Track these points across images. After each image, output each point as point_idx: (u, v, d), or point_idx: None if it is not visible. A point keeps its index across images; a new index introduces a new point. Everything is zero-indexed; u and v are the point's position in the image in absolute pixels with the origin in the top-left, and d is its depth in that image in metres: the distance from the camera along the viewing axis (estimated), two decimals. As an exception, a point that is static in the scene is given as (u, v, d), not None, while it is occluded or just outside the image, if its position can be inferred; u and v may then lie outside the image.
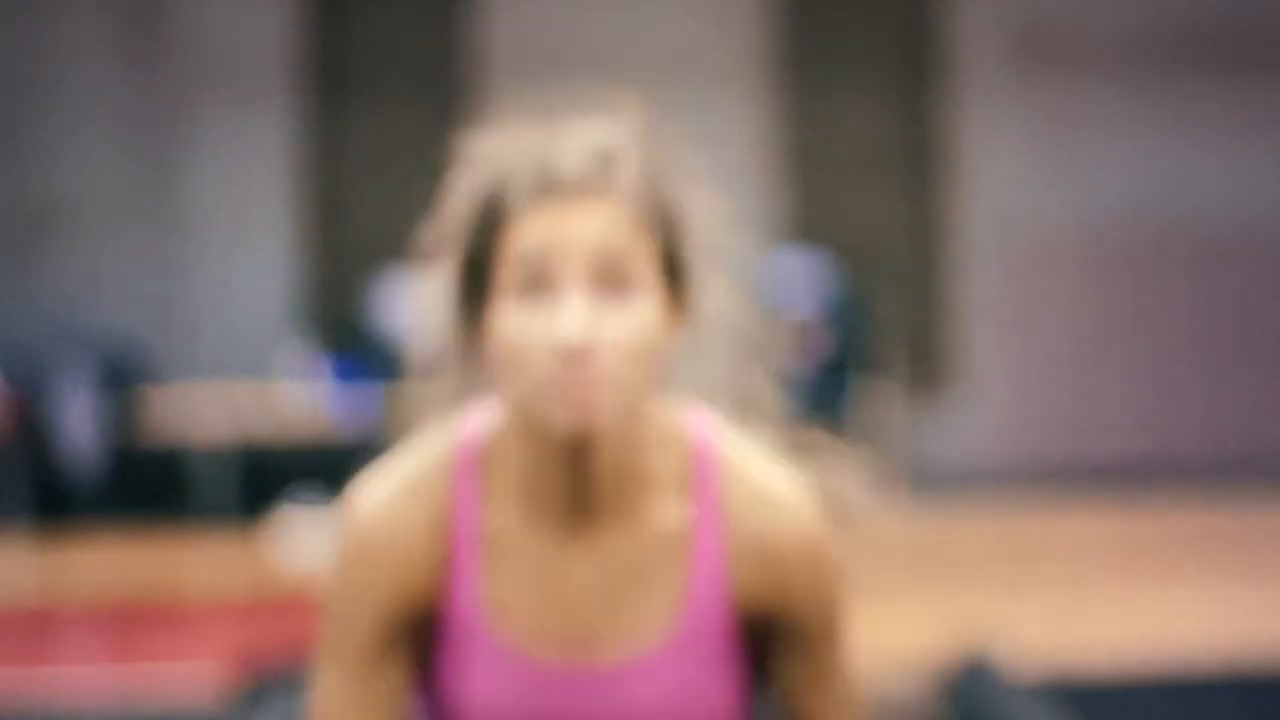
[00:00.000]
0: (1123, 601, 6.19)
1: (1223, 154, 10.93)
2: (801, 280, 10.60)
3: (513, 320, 1.50)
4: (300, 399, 9.85)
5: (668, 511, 1.56)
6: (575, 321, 1.47)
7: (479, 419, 1.63)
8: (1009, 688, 4.24)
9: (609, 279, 1.49)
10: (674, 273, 1.56)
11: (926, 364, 10.86)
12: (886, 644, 5.28)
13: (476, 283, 1.56)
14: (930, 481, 10.48)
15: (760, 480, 1.59)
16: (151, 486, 9.78)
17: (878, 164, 10.92)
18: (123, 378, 9.95)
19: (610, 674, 1.56)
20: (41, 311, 10.46)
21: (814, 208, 10.89)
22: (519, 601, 1.56)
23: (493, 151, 1.62)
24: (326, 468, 9.88)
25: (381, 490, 1.63)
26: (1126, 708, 4.28)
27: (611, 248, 1.50)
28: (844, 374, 10.47)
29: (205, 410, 9.69)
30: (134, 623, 6.63)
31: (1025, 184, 10.90)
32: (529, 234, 1.50)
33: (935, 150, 10.95)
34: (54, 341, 10.11)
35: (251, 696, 4.38)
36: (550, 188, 1.52)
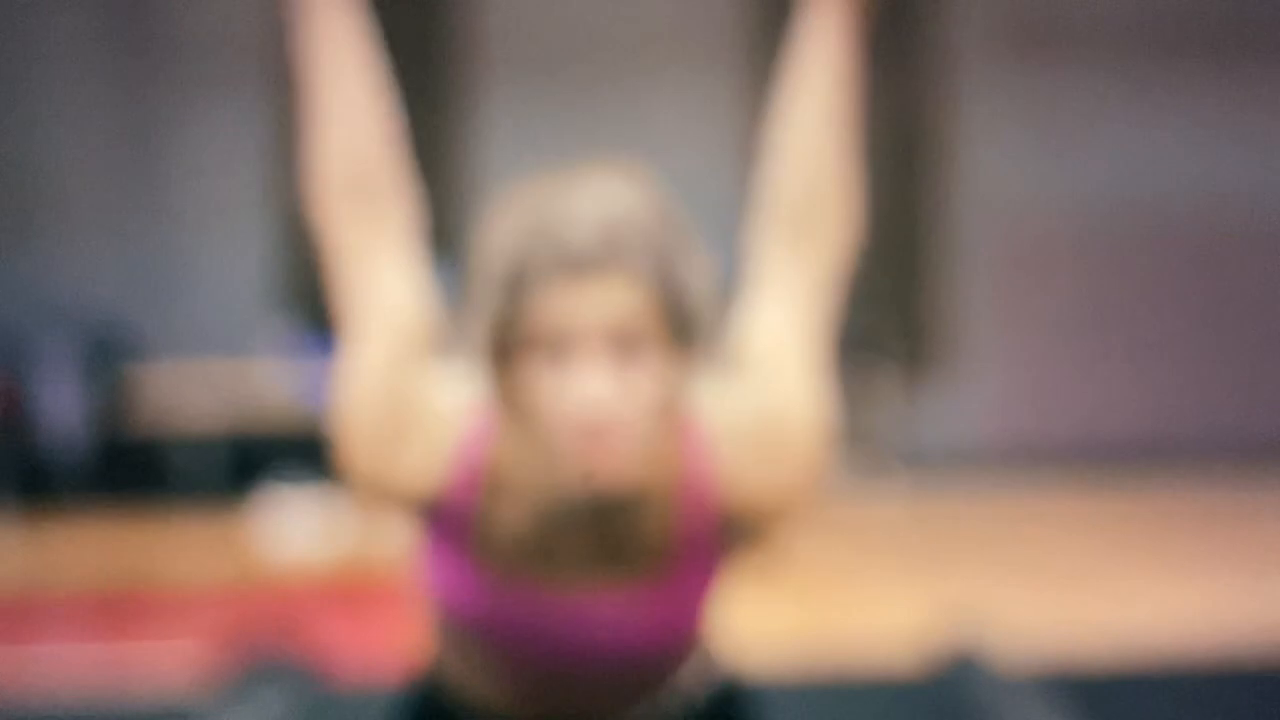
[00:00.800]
0: (1117, 585, 6.19)
1: (1220, 140, 10.94)
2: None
3: (536, 380, 1.65)
4: (285, 378, 9.82)
5: (660, 509, 1.70)
6: (593, 395, 1.62)
7: (483, 413, 1.78)
8: (999, 677, 4.23)
9: (623, 346, 1.63)
10: (681, 330, 1.70)
11: (920, 347, 10.86)
12: (878, 627, 5.26)
13: (504, 344, 1.70)
14: (924, 464, 10.48)
15: (740, 414, 1.75)
16: (136, 467, 9.76)
17: (870, 148, 10.88)
18: (106, 358, 9.93)
19: (595, 605, 1.71)
20: (24, 293, 10.43)
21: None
22: (505, 553, 1.71)
23: (513, 227, 1.72)
24: (311, 449, 9.86)
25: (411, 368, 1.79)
26: (1120, 698, 4.26)
27: (624, 318, 1.64)
28: (835, 358, 10.46)
29: (189, 390, 9.67)
30: (117, 606, 6.60)
31: (1018, 167, 10.90)
32: (548, 308, 1.64)
33: (927, 133, 10.94)
34: (37, 323, 10.09)
35: (236, 679, 4.35)
36: (566, 264, 1.64)
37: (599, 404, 1.63)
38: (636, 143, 10.73)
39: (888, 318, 10.73)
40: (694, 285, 1.72)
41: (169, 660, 5.20)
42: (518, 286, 1.67)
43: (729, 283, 1.85)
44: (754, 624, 6.18)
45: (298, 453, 9.66)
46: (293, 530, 8.54)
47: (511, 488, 1.73)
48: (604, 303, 1.65)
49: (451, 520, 1.74)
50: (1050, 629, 4.98)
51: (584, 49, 10.83)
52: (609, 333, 1.65)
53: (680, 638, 1.77)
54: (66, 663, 5.60)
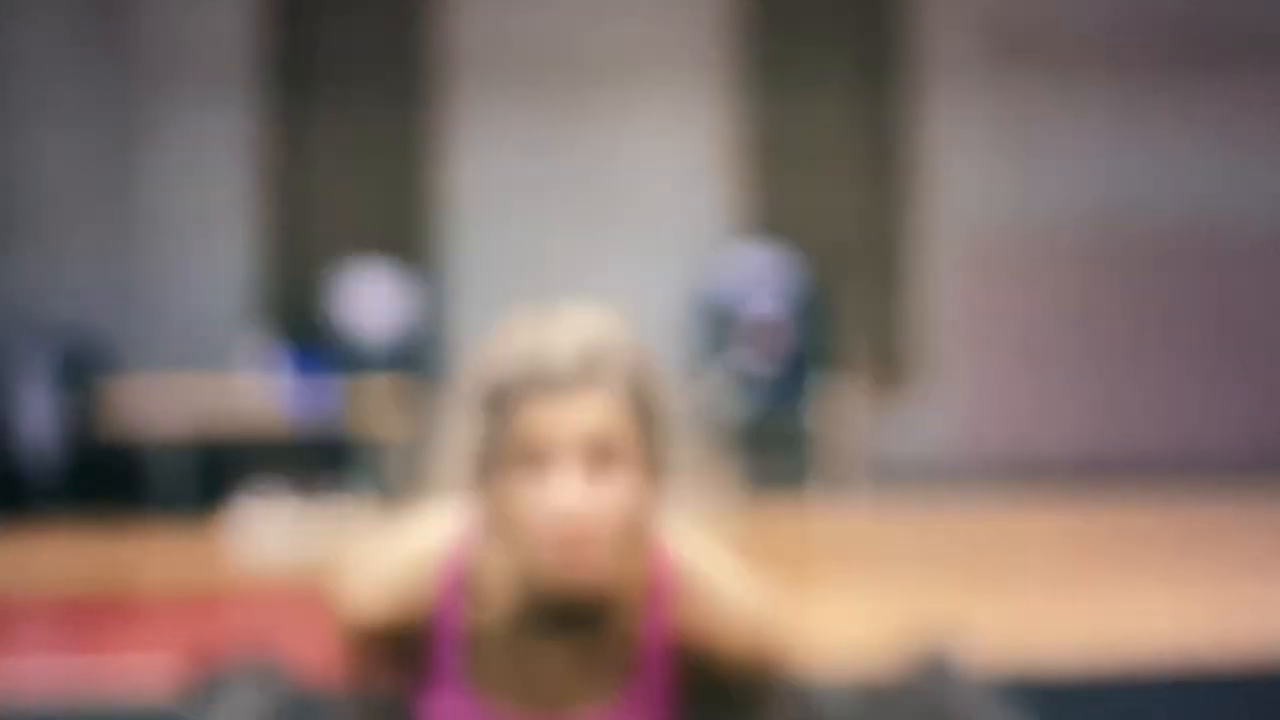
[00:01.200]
0: (1085, 598, 6.21)
1: (1189, 152, 10.98)
2: (765, 277, 10.61)
3: (517, 491, 1.80)
4: (259, 392, 9.82)
5: (628, 615, 1.87)
6: (569, 497, 1.78)
7: (461, 530, 1.95)
8: (971, 680, 4.24)
9: (597, 458, 1.78)
10: (651, 446, 1.85)
11: (889, 361, 10.89)
12: (846, 639, 5.28)
13: (489, 461, 1.85)
14: (892, 478, 10.50)
15: (710, 589, 1.91)
16: (110, 479, 9.76)
17: (842, 161, 10.93)
18: (82, 370, 9.93)
19: None
20: (1, 303, 10.42)
21: (777, 204, 10.90)
22: (497, 681, 1.89)
23: (497, 356, 1.87)
24: (285, 460, 9.87)
25: (370, 593, 1.97)
26: (1090, 702, 4.29)
27: (599, 432, 1.80)
28: (806, 370, 10.49)
29: (164, 402, 9.67)
30: (91, 613, 6.60)
31: (990, 181, 10.94)
32: (530, 423, 1.80)
33: (899, 147, 10.97)
34: (12, 334, 10.08)
35: (207, 689, 4.36)
36: (546, 383, 1.81)
37: (574, 512, 1.79)
38: (610, 153, 10.75)
39: (856, 331, 10.76)
40: (663, 406, 1.88)
41: (142, 667, 5.21)
42: (502, 406, 1.83)
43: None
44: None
45: (271, 463, 9.68)
46: (264, 540, 8.55)
47: (494, 599, 1.91)
48: (580, 417, 1.80)
49: (447, 642, 1.92)
50: (1017, 641, 5.01)
51: (559, 61, 10.85)
52: (585, 444, 1.80)
53: None
54: (40, 670, 5.60)
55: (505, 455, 1.82)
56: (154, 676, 4.88)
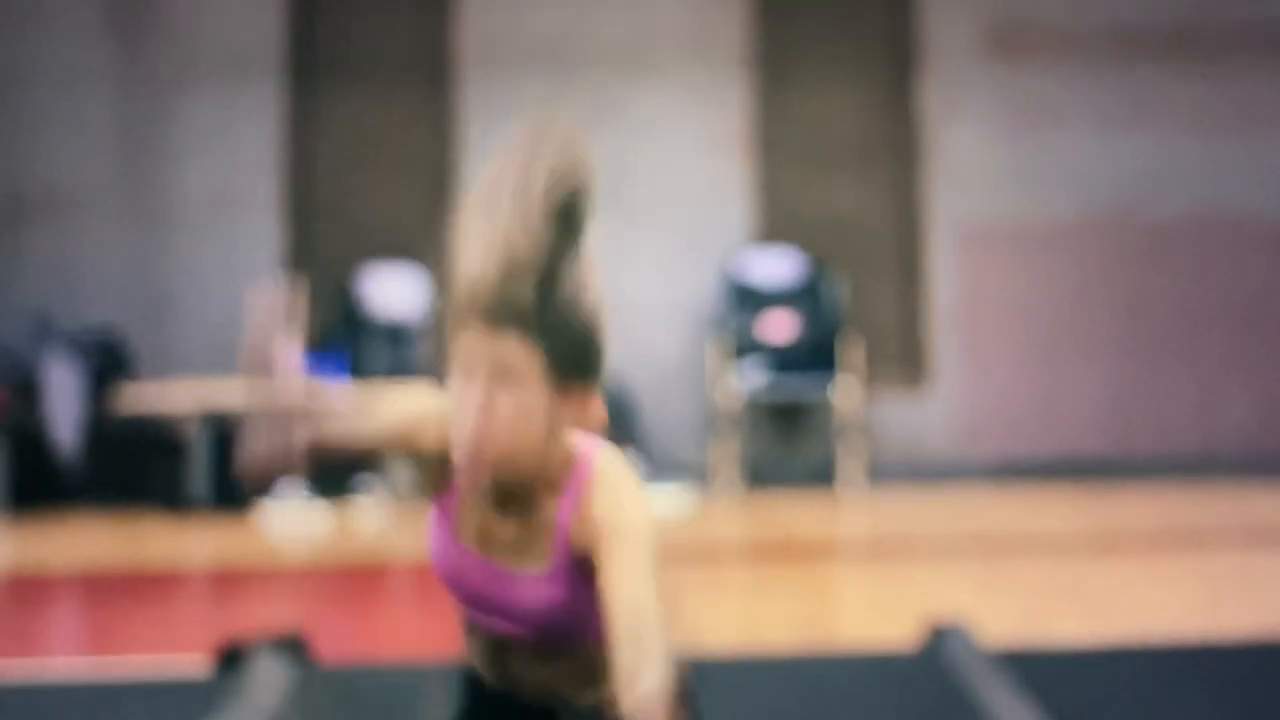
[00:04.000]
0: (1087, 592, 6.25)
1: (1192, 145, 11.02)
2: (771, 271, 10.67)
3: (450, 393, 2.27)
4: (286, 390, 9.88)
5: (553, 501, 2.36)
6: (469, 407, 2.25)
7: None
8: (983, 651, 4.31)
9: (502, 377, 2.23)
10: (563, 374, 2.26)
11: (894, 354, 10.93)
12: (849, 633, 5.34)
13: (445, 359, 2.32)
14: (895, 472, 10.56)
15: (604, 475, 2.36)
16: (135, 475, 9.83)
17: (847, 156, 10.99)
18: (106, 365, 10.00)
19: (514, 579, 2.38)
20: (24, 299, 10.49)
21: (783, 199, 10.95)
22: (469, 532, 2.40)
23: (458, 266, 2.28)
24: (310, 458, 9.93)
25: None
26: (1095, 676, 4.34)
27: (506, 360, 2.24)
28: (812, 363, 10.54)
29: (189, 399, 9.73)
30: (113, 589, 6.67)
31: (995, 177, 10.97)
32: (457, 344, 2.26)
33: (905, 143, 11.01)
34: (38, 329, 10.14)
35: (235, 664, 4.44)
36: (473, 317, 2.24)
37: (473, 419, 2.24)
38: (621, 142, 10.81)
39: (864, 328, 10.81)
40: (580, 336, 2.27)
41: (163, 643, 5.28)
42: (448, 325, 2.27)
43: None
44: (747, 615, 6.27)
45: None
46: (289, 529, 8.64)
47: (472, 509, 2.39)
48: (491, 347, 2.24)
49: (448, 501, 2.41)
50: (1018, 638, 5.06)
51: (580, 49, 10.91)
52: (492, 368, 2.24)
53: (573, 616, 2.37)
54: (70, 643, 5.68)
55: (448, 363, 2.27)
56: (183, 652, 4.95)
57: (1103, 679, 4.25)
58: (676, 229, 10.80)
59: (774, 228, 10.86)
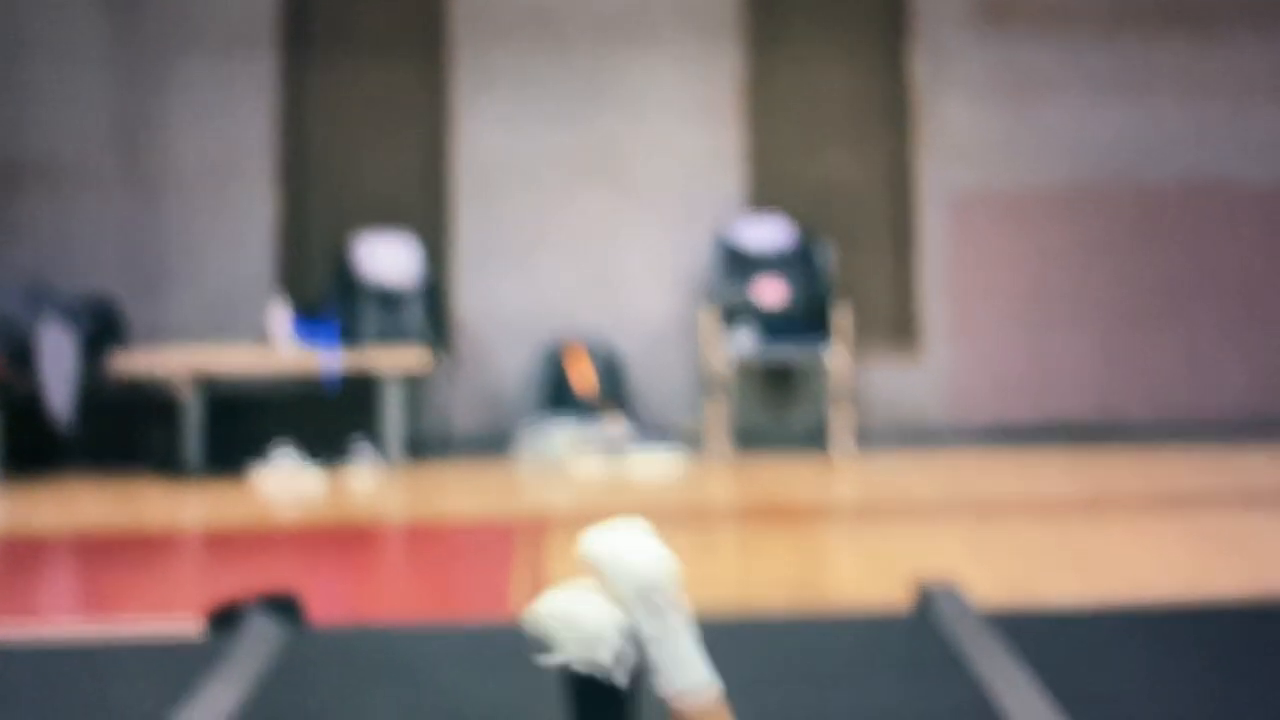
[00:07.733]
0: (1076, 555, 6.28)
1: (1184, 116, 11.02)
2: (762, 237, 10.69)
3: None
4: (280, 356, 9.90)
5: None
6: None
7: None
8: (976, 611, 4.33)
9: None
10: None
11: (886, 319, 10.94)
12: (841, 594, 5.38)
13: None
14: (887, 437, 10.58)
15: None
16: (129, 440, 9.85)
17: (839, 124, 11.00)
18: (101, 331, 10.00)
19: None
20: (19, 266, 10.49)
21: (775, 166, 10.97)
22: None
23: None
24: (305, 424, 9.98)
25: None
26: (1087, 636, 4.37)
27: None
28: (804, 328, 10.57)
29: (183, 364, 9.76)
30: (105, 549, 6.70)
31: (987, 145, 10.98)
32: None
33: (896, 111, 11.02)
34: (32, 295, 10.15)
35: (229, 623, 4.46)
36: None
37: None
38: (614, 110, 10.82)
39: (854, 294, 10.82)
40: None
41: (156, 604, 5.31)
42: None
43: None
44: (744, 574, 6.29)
45: (290, 428, 9.80)
46: (284, 493, 8.67)
47: None
48: None
49: None
50: (1007, 598, 5.09)
51: (562, 19, 10.91)
52: None
53: None
54: (54, 604, 5.71)
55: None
56: (176, 613, 4.97)
57: (1093, 639, 4.28)
58: (669, 196, 10.82)
59: (766, 195, 10.88)
